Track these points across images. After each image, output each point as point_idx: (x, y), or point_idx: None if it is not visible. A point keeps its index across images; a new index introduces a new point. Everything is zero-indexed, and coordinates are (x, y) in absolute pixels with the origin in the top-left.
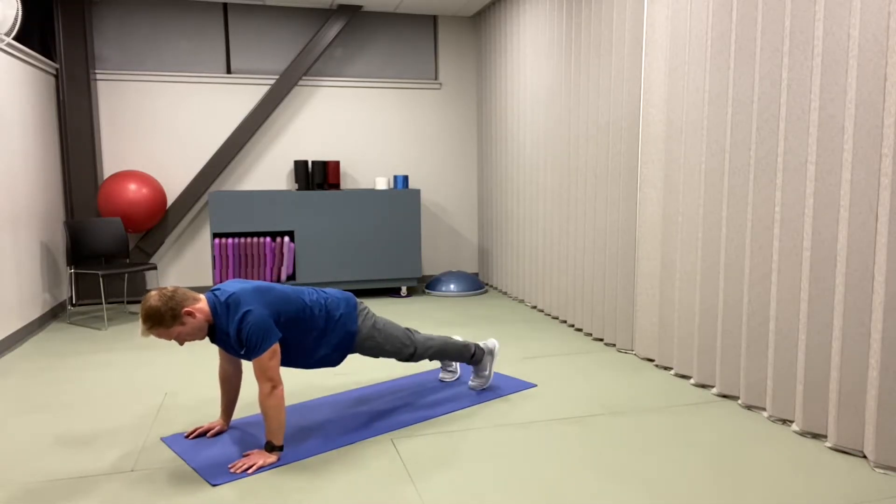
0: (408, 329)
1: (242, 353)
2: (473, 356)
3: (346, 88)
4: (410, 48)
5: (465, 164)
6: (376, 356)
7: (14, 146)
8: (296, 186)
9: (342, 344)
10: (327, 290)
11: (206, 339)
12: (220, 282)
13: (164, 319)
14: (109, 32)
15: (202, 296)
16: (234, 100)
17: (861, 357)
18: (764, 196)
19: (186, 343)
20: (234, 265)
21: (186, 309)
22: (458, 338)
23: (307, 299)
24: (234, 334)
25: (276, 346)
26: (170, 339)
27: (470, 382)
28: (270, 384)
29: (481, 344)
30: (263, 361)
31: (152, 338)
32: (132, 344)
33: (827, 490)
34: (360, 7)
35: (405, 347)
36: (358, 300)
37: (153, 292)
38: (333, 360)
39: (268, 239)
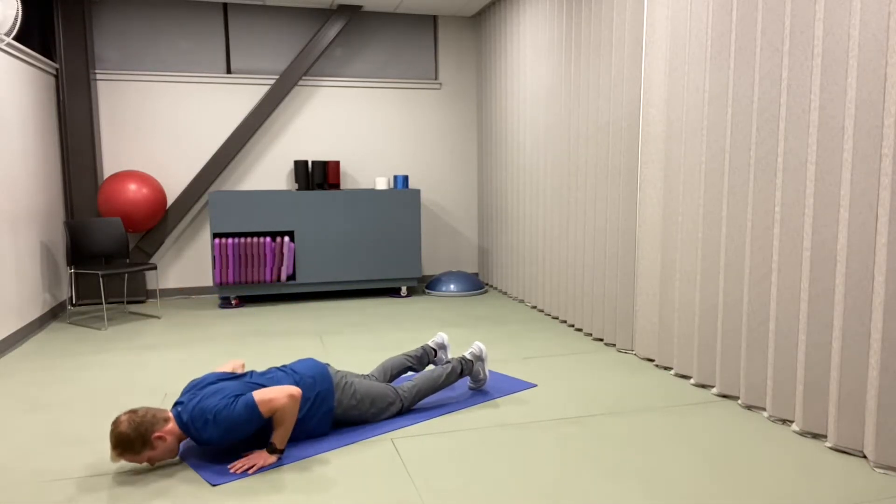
0: (389, 388)
1: (231, 444)
2: (462, 373)
3: (346, 88)
4: (410, 48)
5: (465, 164)
6: (362, 423)
7: (14, 146)
8: (296, 186)
9: (322, 421)
10: (299, 368)
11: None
12: (220, 281)
13: (135, 445)
14: (109, 32)
15: (170, 413)
16: (234, 100)
17: (861, 357)
18: (764, 196)
19: (185, 347)
20: (234, 265)
21: (156, 434)
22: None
23: (279, 382)
24: (216, 439)
25: (253, 392)
26: (140, 463)
27: (469, 384)
28: (283, 394)
29: (467, 354)
30: (262, 402)
31: (152, 338)
32: (132, 344)
33: (827, 490)
34: (360, 7)
35: (391, 406)
36: (332, 371)
37: (123, 417)
38: (317, 434)
39: (268, 239)
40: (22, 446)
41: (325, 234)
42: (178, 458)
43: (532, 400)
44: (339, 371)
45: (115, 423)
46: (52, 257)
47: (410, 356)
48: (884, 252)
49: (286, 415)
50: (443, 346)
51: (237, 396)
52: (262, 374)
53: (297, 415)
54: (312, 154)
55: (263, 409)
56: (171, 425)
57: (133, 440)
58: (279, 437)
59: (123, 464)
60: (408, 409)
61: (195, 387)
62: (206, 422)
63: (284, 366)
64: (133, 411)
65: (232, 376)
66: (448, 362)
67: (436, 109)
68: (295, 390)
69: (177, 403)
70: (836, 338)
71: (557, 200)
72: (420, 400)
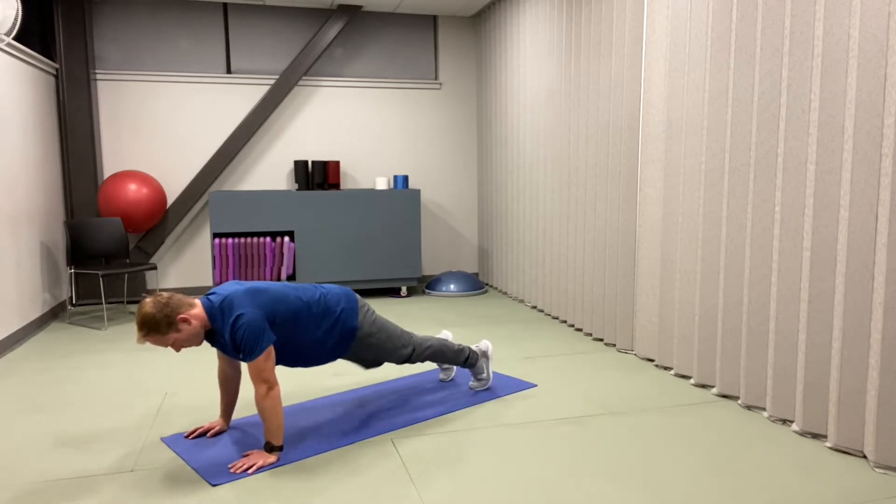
0: (405, 331)
1: (240, 356)
2: (468, 359)
3: (346, 88)
4: (410, 48)
5: (465, 164)
6: (375, 356)
7: (14, 146)
8: (296, 186)
9: (342, 341)
10: (326, 285)
11: (204, 342)
12: (221, 282)
13: (160, 326)
14: (109, 32)
15: (197, 300)
16: (234, 100)
17: (861, 357)
18: (764, 196)
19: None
20: (234, 265)
21: (181, 316)
22: (450, 339)
23: (304, 297)
24: (228, 338)
25: (271, 348)
26: (166, 346)
27: (470, 384)
28: (266, 386)
29: (474, 347)
30: (258, 364)
31: None
32: (132, 344)
33: (827, 490)
34: (360, 7)
35: (404, 347)
36: (358, 296)
37: (148, 299)
38: (329, 358)
39: (268, 239)
40: (22, 446)
41: (325, 234)
42: (201, 343)
43: (532, 400)
44: (362, 298)
45: (141, 306)
46: (52, 257)
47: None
48: (884, 252)
49: (261, 408)
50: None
51: (264, 328)
52: (298, 288)
53: (278, 413)
54: (312, 154)
55: (252, 368)
56: (198, 310)
57: (159, 321)
58: (269, 433)
59: (122, 463)
60: (416, 358)
61: (234, 284)
62: (231, 316)
63: (315, 285)
64: (158, 294)
65: (268, 290)
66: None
67: (436, 109)
68: (276, 392)
69: (208, 294)
70: (836, 338)
71: (557, 200)
72: (426, 358)
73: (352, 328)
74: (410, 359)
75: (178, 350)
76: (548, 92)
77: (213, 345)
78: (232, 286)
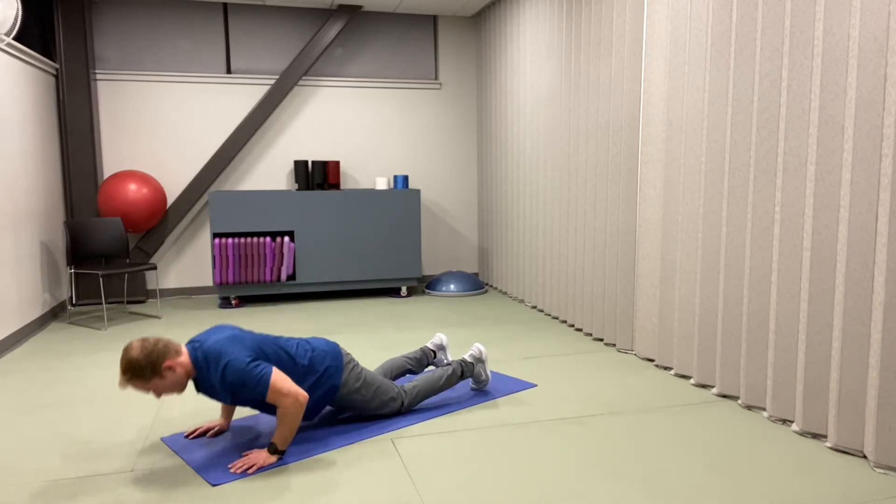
0: (391, 384)
1: (230, 400)
2: (463, 375)
3: (346, 88)
4: (410, 48)
5: (465, 164)
6: (361, 412)
7: (14, 146)
8: (296, 186)
9: (324, 398)
10: (313, 340)
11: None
12: (220, 281)
13: (144, 372)
14: (109, 32)
15: (184, 348)
16: (234, 100)
17: (861, 357)
18: (764, 196)
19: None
20: (234, 265)
21: (167, 363)
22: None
23: (290, 351)
24: (219, 386)
25: (276, 370)
26: (147, 392)
27: (471, 385)
28: (291, 397)
29: (467, 357)
30: (275, 388)
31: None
32: None
33: (827, 490)
34: (360, 7)
35: (392, 401)
36: (344, 351)
37: (135, 342)
38: (309, 414)
39: (268, 239)
40: (22, 446)
41: (325, 234)
42: (183, 392)
43: (532, 400)
44: (348, 353)
45: (127, 349)
46: (52, 257)
47: (410, 358)
48: (884, 252)
49: (287, 415)
50: (442, 347)
51: (257, 362)
52: (281, 339)
53: (299, 420)
54: (312, 154)
55: (271, 394)
56: (184, 358)
57: (143, 366)
58: (281, 437)
59: (122, 463)
60: (407, 409)
61: (216, 331)
62: (218, 365)
63: (301, 339)
64: (145, 338)
65: (252, 333)
66: (448, 364)
67: (436, 109)
68: (303, 396)
69: (192, 341)
70: (836, 338)
71: (557, 200)
72: (420, 401)
73: (334, 386)
74: (399, 413)
75: (158, 397)
76: (548, 92)
77: (198, 391)
78: (216, 333)
